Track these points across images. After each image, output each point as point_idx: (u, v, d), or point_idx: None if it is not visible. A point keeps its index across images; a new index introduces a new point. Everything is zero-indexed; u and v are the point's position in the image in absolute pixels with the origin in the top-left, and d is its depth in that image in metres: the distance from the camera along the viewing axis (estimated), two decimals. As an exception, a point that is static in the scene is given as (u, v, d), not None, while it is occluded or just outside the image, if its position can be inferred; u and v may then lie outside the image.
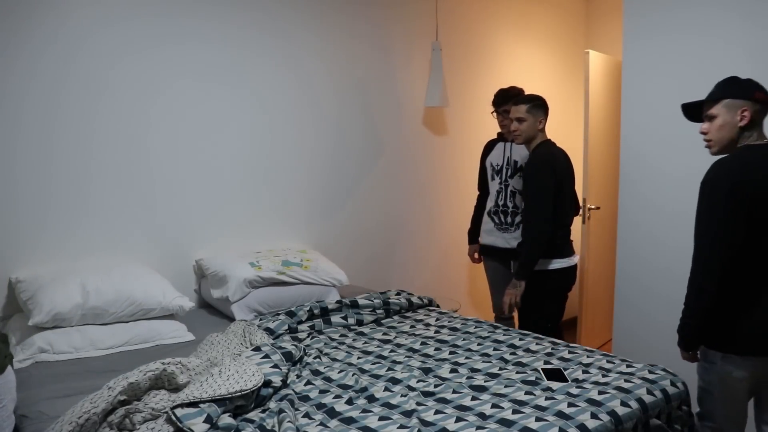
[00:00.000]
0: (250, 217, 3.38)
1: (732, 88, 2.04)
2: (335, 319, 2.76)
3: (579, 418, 1.76)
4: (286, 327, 2.61)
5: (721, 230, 1.96)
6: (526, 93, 3.59)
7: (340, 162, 3.73)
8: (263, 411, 1.89)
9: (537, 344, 2.44)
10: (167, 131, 3.07)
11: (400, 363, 2.28)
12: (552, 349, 2.38)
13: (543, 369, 2.15)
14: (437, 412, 1.85)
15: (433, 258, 4.26)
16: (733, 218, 1.95)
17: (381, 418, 1.81)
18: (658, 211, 3.07)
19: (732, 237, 1.96)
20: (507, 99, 3.35)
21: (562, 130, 4.43)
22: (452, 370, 2.18)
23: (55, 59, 2.73)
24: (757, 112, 2.01)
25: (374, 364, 2.28)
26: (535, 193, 3.02)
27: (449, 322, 2.79)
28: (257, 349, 2.20)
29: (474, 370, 2.18)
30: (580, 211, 3.72)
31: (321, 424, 1.79)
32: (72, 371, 2.23)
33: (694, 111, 2.16)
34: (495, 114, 3.48)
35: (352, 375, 2.14)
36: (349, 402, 1.93)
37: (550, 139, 3.16)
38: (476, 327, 2.69)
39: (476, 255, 3.70)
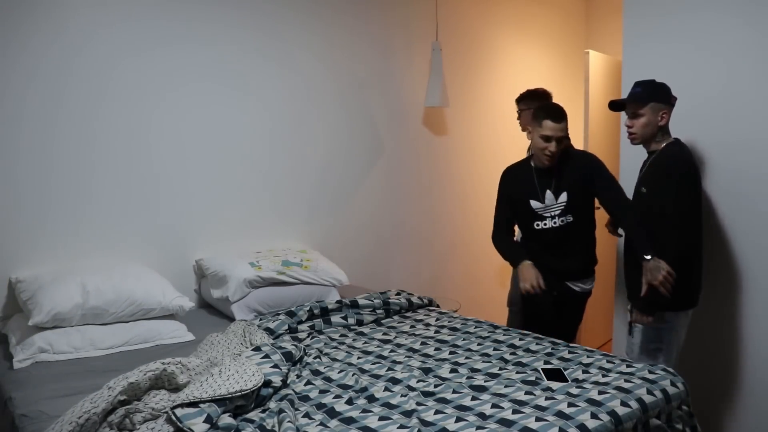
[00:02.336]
0: (250, 217, 3.38)
1: (657, 93, 2.49)
2: (335, 319, 2.76)
3: (579, 418, 1.76)
4: (286, 327, 2.61)
5: (695, 205, 2.46)
6: (538, 92, 3.58)
7: (340, 162, 3.73)
8: (263, 411, 1.89)
9: (537, 344, 2.44)
10: (167, 132, 3.07)
11: (400, 363, 2.28)
12: (552, 349, 2.38)
13: (543, 369, 2.15)
14: (437, 412, 1.84)
15: (433, 258, 4.26)
16: (699, 194, 2.48)
17: (381, 418, 1.81)
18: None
19: (699, 209, 2.48)
20: (534, 98, 3.45)
21: (562, 130, 4.44)
22: (452, 370, 2.18)
23: (55, 60, 2.73)
24: (670, 115, 2.52)
25: (374, 364, 2.28)
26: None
27: (449, 322, 2.79)
28: (257, 349, 2.20)
29: (474, 370, 2.18)
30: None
31: (321, 424, 1.79)
32: (72, 371, 2.23)
33: (616, 104, 2.62)
34: (518, 111, 3.52)
35: (352, 375, 2.14)
36: (349, 402, 1.93)
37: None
38: (476, 327, 2.69)
39: None
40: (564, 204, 2.78)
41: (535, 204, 2.83)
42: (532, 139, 2.77)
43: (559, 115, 2.69)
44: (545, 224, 2.82)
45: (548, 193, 2.80)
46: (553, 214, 2.80)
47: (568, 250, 2.85)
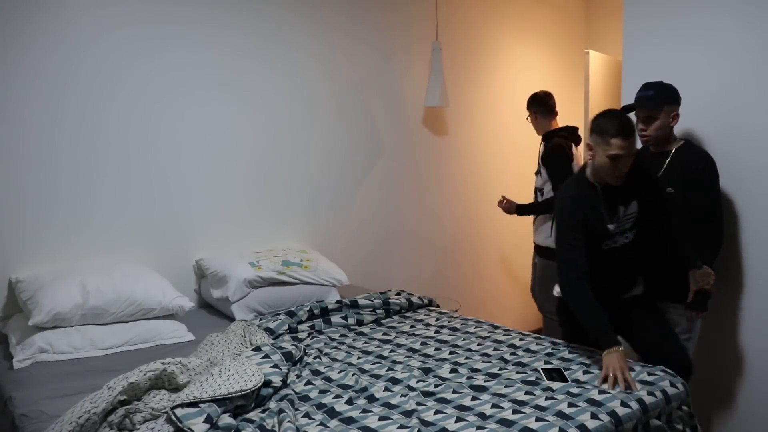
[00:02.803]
0: (250, 217, 3.38)
1: (670, 95, 2.50)
2: (335, 319, 2.76)
3: (579, 418, 1.76)
4: (286, 327, 2.61)
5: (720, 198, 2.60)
6: (537, 95, 3.63)
7: (340, 162, 3.73)
8: (263, 411, 1.89)
9: (537, 344, 2.44)
10: (167, 132, 3.07)
11: (400, 363, 2.28)
12: (552, 349, 2.38)
13: (543, 369, 2.15)
14: (437, 412, 1.85)
15: (433, 258, 4.25)
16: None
17: (381, 418, 1.81)
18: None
19: None
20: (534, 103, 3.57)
21: (562, 130, 4.43)
22: (452, 370, 2.18)
23: (55, 61, 2.73)
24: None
25: (374, 364, 2.28)
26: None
27: (449, 322, 2.79)
28: (257, 349, 2.20)
29: (474, 370, 2.18)
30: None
31: (321, 424, 1.79)
32: (72, 371, 2.23)
33: (628, 108, 2.57)
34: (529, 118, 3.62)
35: (352, 375, 2.14)
36: (349, 402, 1.93)
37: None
38: (476, 327, 2.69)
39: (505, 202, 3.61)
40: (634, 214, 2.36)
41: (610, 225, 2.35)
42: (596, 157, 2.26)
43: (628, 129, 2.20)
44: (615, 242, 2.35)
45: (621, 209, 2.34)
46: (624, 228, 2.36)
47: (635, 267, 2.46)
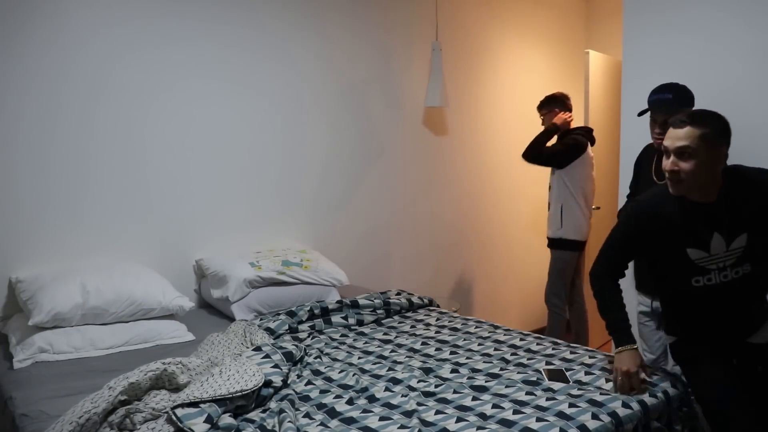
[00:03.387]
0: (251, 217, 3.38)
1: (686, 97, 2.45)
2: (336, 319, 2.76)
3: (580, 418, 1.76)
4: (286, 327, 2.61)
5: None
6: (555, 95, 3.72)
7: (340, 162, 3.73)
8: (264, 411, 1.89)
9: (538, 344, 2.44)
10: (167, 131, 3.07)
11: (400, 363, 2.27)
12: (553, 349, 2.38)
13: (545, 369, 2.15)
14: (438, 412, 1.84)
15: (433, 258, 4.25)
16: None
17: (381, 419, 1.81)
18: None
19: None
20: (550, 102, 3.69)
21: (562, 130, 4.44)
22: (453, 371, 2.18)
23: (54, 60, 2.73)
24: None
25: (375, 364, 2.28)
26: None
27: (449, 322, 2.79)
28: (258, 349, 2.20)
29: (475, 371, 2.18)
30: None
31: (321, 424, 1.79)
32: (72, 371, 2.23)
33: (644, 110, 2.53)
34: (541, 118, 3.73)
35: (353, 375, 2.14)
36: (350, 402, 1.93)
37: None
38: (477, 327, 2.69)
39: (568, 118, 3.66)
40: (742, 249, 1.92)
41: (695, 254, 1.94)
42: None
43: (685, 118, 1.86)
44: (708, 280, 1.95)
45: (716, 237, 1.92)
46: (721, 265, 1.93)
47: (742, 307, 2.00)
